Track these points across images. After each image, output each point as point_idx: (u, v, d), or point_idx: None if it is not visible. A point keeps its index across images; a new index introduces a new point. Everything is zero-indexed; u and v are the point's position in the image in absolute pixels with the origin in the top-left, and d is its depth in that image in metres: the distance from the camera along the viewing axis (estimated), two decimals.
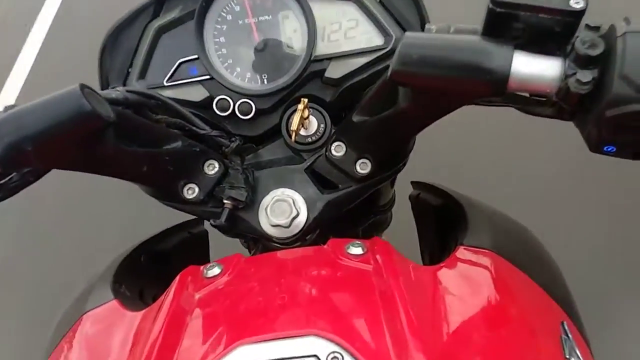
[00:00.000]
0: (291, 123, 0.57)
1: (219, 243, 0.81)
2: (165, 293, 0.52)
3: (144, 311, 0.52)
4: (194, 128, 0.57)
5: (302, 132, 0.60)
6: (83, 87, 0.45)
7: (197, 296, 0.50)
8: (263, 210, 0.58)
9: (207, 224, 0.75)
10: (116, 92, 0.54)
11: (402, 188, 0.84)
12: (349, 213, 0.62)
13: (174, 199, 0.58)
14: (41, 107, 0.45)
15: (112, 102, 0.51)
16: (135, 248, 0.68)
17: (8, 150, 0.44)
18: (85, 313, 0.55)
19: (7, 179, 0.51)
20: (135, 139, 0.52)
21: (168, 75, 0.61)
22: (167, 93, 0.61)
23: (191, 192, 0.58)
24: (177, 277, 0.53)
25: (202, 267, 0.53)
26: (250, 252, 0.80)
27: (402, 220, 0.89)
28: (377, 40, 0.61)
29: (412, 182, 0.82)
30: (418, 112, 0.50)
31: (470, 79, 0.42)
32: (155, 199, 0.60)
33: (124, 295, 0.59)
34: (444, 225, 0.71)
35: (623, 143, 0.40)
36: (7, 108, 0.49)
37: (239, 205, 0.58)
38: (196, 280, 0.52)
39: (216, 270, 0.52)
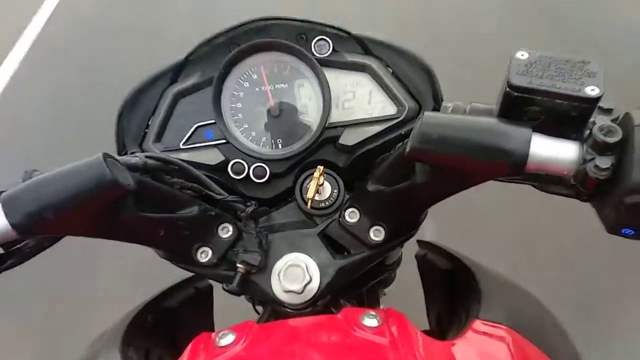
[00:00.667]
0: (307, 190, 0.58)
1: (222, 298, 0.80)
2: None
3: None
4: (210, 192, 0.58)
5: (316, 197, 0.60)
6: (106, 156, 0.46)
7: None
8: (276, 275, 0.58)
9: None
10: (135, 158, 0.54)
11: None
12: (358, 276, 0.62)
13: (187, 262, 0.58)
14: (64, 176, 0.45)
15: (132, 168, 0.52)
16: (143, 307, 0.67)
17: (28, 219, 0.44)
18: None
19: (22, 244, 0.51)
20: (153, 204, 0.53)
21: (184, 139, 0.62)
22: (183, 156, 0.62)
23: (205, 255, 0.58)
24: (189, 346, 0.52)
25: (213, 335, 0.52)
26: (256, 311, 0.79)
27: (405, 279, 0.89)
28: (390, 109, 0.62)
29: (418, 241, 0.82)
30: (434, 187, 0.51)
31: (489, 160, 0.43)
32: (169, 262, 0.59)
33: (131, 358, 0.58)
34: (452, 289, 0.70)
35: None
36: (27, 173, 0.50)
37: (251, 270, 0.57)
38: (209, 349, 0.51)
39: (229, 339, 0.51)
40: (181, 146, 0.62)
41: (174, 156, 0.59)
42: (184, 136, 0.62)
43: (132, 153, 0.59)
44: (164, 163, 0.56)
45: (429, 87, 0.62)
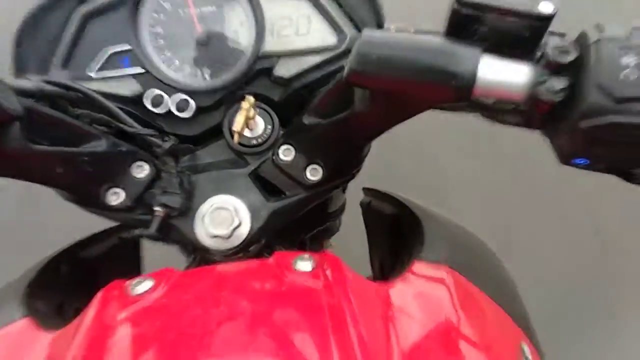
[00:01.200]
0: (234, 123, 0.52)
1: (154, 250, 0.75)
2: (84, 311, 0.46)
3: (58, 332, 0.46)
4: (122, 125, 0.51)
5: (247, 133, 0.55)
6: None
7: (121, 315, 0.44)
8: (200, 219, 0.53)
9: None
10: (29, 82, 0.47)
11: (351, 192, 0.80)
12: (295, 220, 0.57)
13: (96, 205, 0.52)
14: None
15: (23, 93, 0.44)
16: (54, 256, 0.60)
17: None
18: None
19: None
20: (48, 136, 0.46)
21: (96, 67, 0.55)
22: (94, 86, 0.54)
23: (116, 197, 0.52)
24: (100, 293, 0.47)
25: (128, 282, 0.47)
26: (186, 264, 0.74)
27: (352, 225, 0.86)
28: (330, 39, 0.57)
29: (363, 189, 0.79)
30: (375, 116, 0.46)
31: (433, 82, 0.39)
32: (76, 205, 0.53)
33: (39, 310, 0.52)
34: (397, 235, 0.68)
35: (596, 156, 0.38)
36: None
37: (172, 213, 0.52)
38: (122, 297, 0.46)
39: (146, 286, 0.46)
40: (92, 75, 0.54)
41: (82, 85, 0.52)
42: (96, 63, 0.55)
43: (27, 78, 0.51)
44: (64, 89, 0.49)
45: (373, 14, 0.57)
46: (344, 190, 0.78)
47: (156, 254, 0.77)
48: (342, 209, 0.82)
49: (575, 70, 0.37)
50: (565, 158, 0.40)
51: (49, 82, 0.48)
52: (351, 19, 0.56)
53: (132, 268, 0.73)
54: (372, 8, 0.57)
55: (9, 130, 0.41)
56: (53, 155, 0.46)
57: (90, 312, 0.45)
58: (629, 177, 0.39)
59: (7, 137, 0.41)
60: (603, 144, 0.37)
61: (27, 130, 0.43)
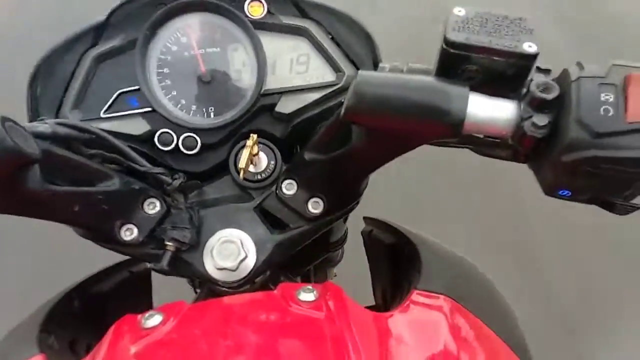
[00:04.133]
0: (239, 160, 0.54)
1: (164, 283, 0.76)
2: (97, 346, 0.47)
3: None
4: (133, 164, 0.53)
5: (251, 168, 0.57)
6: (4, 120, 0.41)
7: (133, 349, 0.45)
8: (208, 252, 0.54)
9: None
10: (44, 124, 0.49)
11: (353, 222, 0.82)
12: (299, 251, 0.59)
13: (110, 240, 0.54)
14: None
15: (39, 136, 0.47)
16: (68, 292, 0.62)
17: None
18: None
19: None
20: (65, 177, 0.48)
21: (106, 107, 0.57)
22: (104, 126, 0.57)
23: (129, 233, 0.54)
24: (112, 328, 0.48)
25: (139, 316, 0.49)
26: (195, 295, 0.75)
27: (354, 255, 0.88)
28: (328, 76, 0.60)
29: (364, 218, 0.81)
30: (372, 152, 0.49)
31: (426, 120, 0.42)
32: (91, 241, 0.55)
33: (52, 347, 0.53)
34: (397, 263, 0.69)
35: (578, 188, 0.40)
36: None
37: (182, 247, 0.54)
38: (133, 331, 0.47)
39: (156, 320, 0.48)
40: (102, 115, 0.57)
41: (94, 126, 0.54)
42: (106, 104, 0.57)
43: (41, 119, 0.54)
44: (77, 131, 0.51)
45: (369, 53, 0.60)
46: (344, 221, 0.80)
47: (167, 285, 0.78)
48: (344, 238, 0.84)
49: (557, 106, 0.39)
50: (549, 189, 0.42)
51: (63, 124, 0.51)
52: (348, 57, 0.59)
53: (143, 301, 0.74)
54: (368, 46, 0.60)
55: (29, 173, 0.43)
56: (70, 194, 0.48)
57: (104, 346, 0.46)
58: (610, 207, 0.41)
59: (26, 179, 0.43)
60: (584, 177, 0.39)
61: (45, 172, 0.45)
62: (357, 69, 0.59)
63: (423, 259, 0.57)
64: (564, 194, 0.41)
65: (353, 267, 0.95)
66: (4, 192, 0.43)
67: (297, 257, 0.60)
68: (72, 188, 0.48)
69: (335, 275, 1.10)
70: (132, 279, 0.71)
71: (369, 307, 0.77)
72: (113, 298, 0.68)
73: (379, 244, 0.74)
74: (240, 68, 0.59)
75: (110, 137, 0.53)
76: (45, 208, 0.47)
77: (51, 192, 0.46)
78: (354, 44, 0.60)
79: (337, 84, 0.59)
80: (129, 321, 0.49)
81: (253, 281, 0.57)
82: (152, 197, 0.54)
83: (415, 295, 0.51)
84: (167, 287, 0.81)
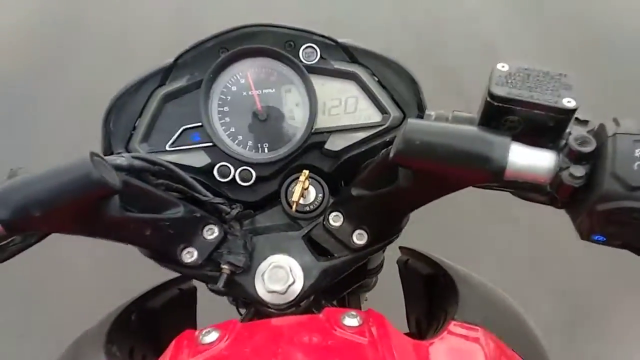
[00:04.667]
0: (292, 193, 0.59)
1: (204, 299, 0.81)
2: (161, 358, 0.52)
3: None
4: (196, 194, 0.59)
5: (301, 201, 0.61)
6: (92, 155, 0.47)
7: None
8: (260, 276, 0.59)
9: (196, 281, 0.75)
10: (121, 158, 0.55)
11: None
12: (340, 278, 0.63)
13: (172, 262, 0.59)
14: (52, 175, 0.46)
15: (118, 168, 0.53)
16: (127, 306, 0.67)
17: (16, 215, 0.45)
18: None
19: (9, 240, 0.51)
20: (138, 205, 0.53)
21: (171, 141, 0.63)
22: (169, 158, 0.62)
23: (190, 256, 0.58)
24: (173, 342, 0.53)
25: (197, 332, 0.53)
26: (239, 312, 0.79)
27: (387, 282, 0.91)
28: (375, 117, 0.64)
29: (400, 248, 0.83)
30: (416, 192, 0.52)
31: (469, 166, 0.45)
32: (154, 261, 0.60)
33: (115, 355, 0.58)
34: (432, 294, 0.72)
35: (612, 234, 0.43)
36: (13, 171, 0.50)
37: (236, 271, 0.58)
38: (192, 346, 0.52)
39: (213, 336, 0.52)
40: (167, 148, 0.63)
41: (160, 158, 0.60)
42: (171, 138, 0.63)
43: (118, 153, 0.60)
44: (150, 164, 0.57)
45: (414, 96, 0.64)
46: (383, 251, 0.83)
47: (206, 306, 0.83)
48: (380, 266, 0.87)
49: (594, 159, 0.42)
50: (585, 235, 0.44)
51: (137, 158, 0.56)
52: (394, 100, 0.64)
53: (189, 316, 0.79)
54: (413, 90, 0.64)
55: (110, 202, 0.49)
56: (143, 221, 0.53)
57: (166, 358, 0.51)
58: None
59: (108, 208, 0.49)
60: (617, 225, 0.41)
61: (123, 201, 0.50)
62: (402, 110, 0.63)
63: (460, 290, 0.59)
64: (598, 239, 0.44)
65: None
66: (90, 218, 0.49)
67: (337, 282, 0.64)
68: (145, 215, 0.53)
69: (367, 300, 1.13)
70: (180, 296, 0.76)
71: (405, 334, 0.80)
72: (163, 313, 0.72)
73: (415, 273, 0.76)
74: (293, 108, 0.64)
75: (176, 169, 0.58)
76: (122, 233, 0.53)
77: (128, 218, 0.51)
78: (400, 87, 0.64)
79: (383, 125, 0.63)
80: (188, 336, 0.53)
81: (299, 305, 0.61)
82: (212, 224, 0.59)
83: (453, 326, 0.53)
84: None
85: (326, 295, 0.73)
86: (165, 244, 0.57)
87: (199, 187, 0.59)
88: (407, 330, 0.82)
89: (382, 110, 0.64)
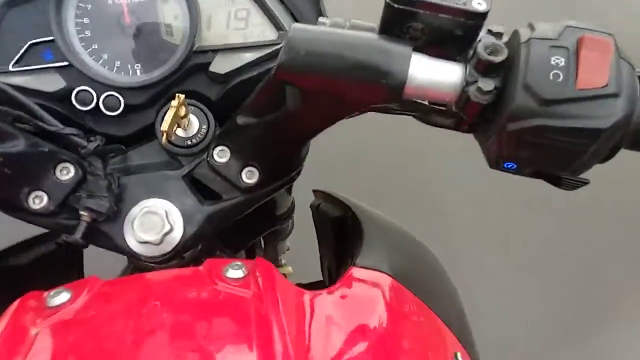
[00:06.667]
0: (162, 122, 0.50)
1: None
2: None
3: None
4: (40, 123, 0.48)
5: (181, 133, 0.52)
6: None
7: (34, 331, 0.41)
8: (129, 223, 0.50)
9: None
10: None
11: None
12: (240, 225, 0.55)
13: (17, 209, 0.49)
14: None
15: None
16: None
17: None
18: None
19: None
20: None
21: (15, 59, 0.51)
22: (15, 81, 0.51)
23: (38, 201, 0.49)
24: (14, 305, 0.44)
25: (45, 293, 0.44)
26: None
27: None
28: (269, 34, 0.55)
29: (314, 191, 0.78)
30: (307, 116, 0.45)
31: (364, 81, 0.38)
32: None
33: None
34: (342, 238, 0.66)
35: (524, 160, 0.38)
36: None
37: (99, 218, 0.49)
38: (38, 309, 0.43)
39: (63, 297, 0.43)
40: (11, 68, 0.51)
41: (1, 80, 0.49)
42: (15, 56, 0.51)
43: None
44: None
45: (314, 9, 0.55)
46: (289, 192, 0.76)
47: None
48: (290, 211, 0.80)
49: (505, 70, 0.37)
50: (494, 162, 0.39)
51: None
52: (292, 14, 0.55)
53: (70, 276, 0.70)
54: (313, 3, 0.55)
55: None
56: None
57: (1, 325, 0.42)
58: (557, 181, 0.39)
59: None
60: (530, 148, 0.36)
61: None
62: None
63: (365, 233, 0.54)
64: (509, 167, 0.39)
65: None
66: None
67: (236, 230, 0.56)
68: None
69: (288, 249, 1.07)
70: (58, 252, 0.66)
71: (315, 283, 0.75)
72: (33, 272, 0.63)
73: (326, 217, 0.71)
74: (171, 22, 0.53)
75: (15, 93, 0.47)
76: None
77: None
78: (300, 0, 0.55)
79: (278, 43, 0.54)
80: (35, 297, 0.44)
81: (181, 256, 0.53)
82: (66, 161, 0.49)
83: (354, 271, 0.48)
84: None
85: (224, 245, 0.65)
86: (4, 186, 0.47)
87: (44, 114, 0.48)
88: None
89: (278, 26, 0.54)
